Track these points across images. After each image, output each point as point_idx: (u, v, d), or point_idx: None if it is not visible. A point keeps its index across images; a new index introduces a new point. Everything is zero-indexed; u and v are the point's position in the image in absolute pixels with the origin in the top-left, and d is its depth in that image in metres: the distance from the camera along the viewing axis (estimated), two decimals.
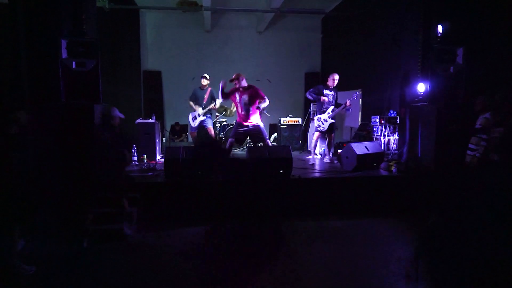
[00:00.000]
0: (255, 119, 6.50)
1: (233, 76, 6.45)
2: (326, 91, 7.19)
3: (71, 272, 3.68)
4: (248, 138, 7.53)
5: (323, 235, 4.73)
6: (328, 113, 7.15)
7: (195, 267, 3.79)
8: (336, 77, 7.21)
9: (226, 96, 6.53)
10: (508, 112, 4.20)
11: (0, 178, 3.38)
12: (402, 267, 3.81)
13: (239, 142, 7.12)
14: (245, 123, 6.47)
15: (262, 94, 6.49)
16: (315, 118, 7.41)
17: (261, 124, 6.56)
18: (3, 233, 3.49)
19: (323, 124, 7.20)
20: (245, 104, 6.41)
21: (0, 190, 3.38)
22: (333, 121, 7.16)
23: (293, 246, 4.35)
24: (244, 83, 6.45)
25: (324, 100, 7.12)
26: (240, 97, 6.43)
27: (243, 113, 6.45)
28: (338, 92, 7.41)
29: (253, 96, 6.40)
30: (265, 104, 6.52)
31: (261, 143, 6.68)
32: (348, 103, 7.08)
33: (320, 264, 3.92)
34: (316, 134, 7.42)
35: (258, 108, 6.45)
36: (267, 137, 6.59)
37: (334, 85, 7.22)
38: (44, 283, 3.47)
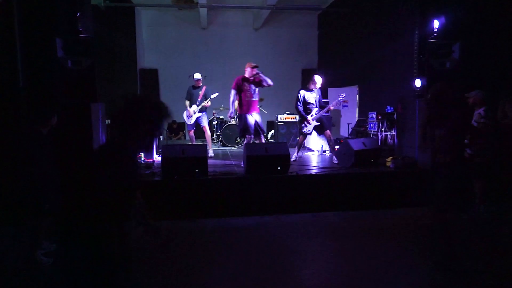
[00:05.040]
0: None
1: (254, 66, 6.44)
2: (308, 95, 6.80)
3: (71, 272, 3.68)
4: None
5: (321, 231, 4.75)
6: (312, 115, 6.76)
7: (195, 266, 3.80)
8: (317, 79, 6.78)
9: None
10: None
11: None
12: (402, 264, 3.83)
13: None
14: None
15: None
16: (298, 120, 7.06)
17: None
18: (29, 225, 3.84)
19: (306, 126, 6.82)
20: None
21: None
22: (318, 123, 6.76)
23: (291, 241, 4.36)
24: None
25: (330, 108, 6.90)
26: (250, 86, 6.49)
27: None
28: (335, 88, 7.22)
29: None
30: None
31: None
32: (331, 108, 6.87)
33: (319, 259, 3.93)
34: (301, 137, 7.06)
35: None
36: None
37: (316, 87, 6.80)
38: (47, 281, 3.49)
